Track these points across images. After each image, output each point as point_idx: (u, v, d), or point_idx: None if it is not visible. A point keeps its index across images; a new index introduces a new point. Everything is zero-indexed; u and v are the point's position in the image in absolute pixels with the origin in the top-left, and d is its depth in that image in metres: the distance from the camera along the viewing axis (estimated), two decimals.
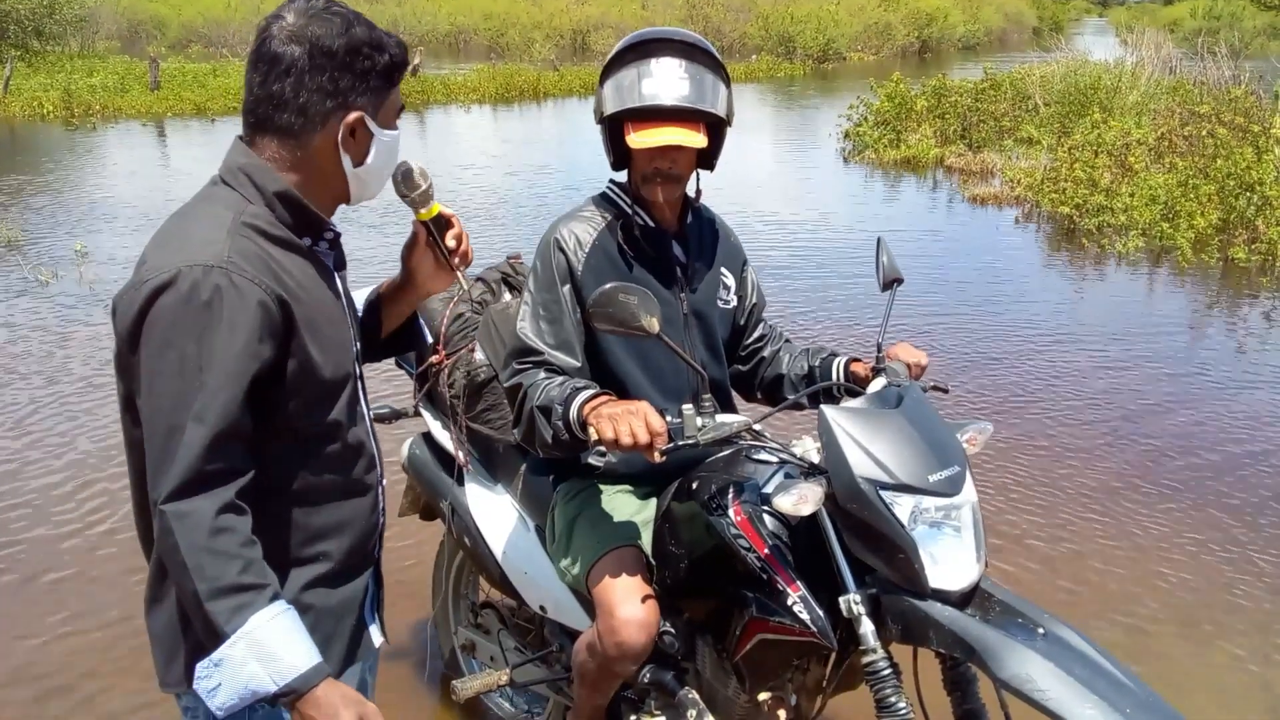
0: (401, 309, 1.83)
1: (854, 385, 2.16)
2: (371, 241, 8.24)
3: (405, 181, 1.67)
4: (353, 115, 1.48)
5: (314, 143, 1.48)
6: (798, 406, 2.22)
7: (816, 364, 2.33)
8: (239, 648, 1.33)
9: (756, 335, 2.44)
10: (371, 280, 1.90)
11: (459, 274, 1.76)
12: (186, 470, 1.33)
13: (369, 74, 1.48)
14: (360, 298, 1.82)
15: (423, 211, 1.70)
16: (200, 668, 1.37)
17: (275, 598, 1.37)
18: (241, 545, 1.35)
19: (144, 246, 1.46)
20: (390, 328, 1.84)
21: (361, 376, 1.65)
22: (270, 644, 1.34)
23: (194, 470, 1.33)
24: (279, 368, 1.43)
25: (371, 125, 1.51)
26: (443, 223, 1.72)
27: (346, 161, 1.51)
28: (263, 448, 1.43)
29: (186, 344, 1.35)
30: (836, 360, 2.30)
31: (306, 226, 1.52)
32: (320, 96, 1.45)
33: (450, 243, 1.73)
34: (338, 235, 1.59)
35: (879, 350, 2.14)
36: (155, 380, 1.36)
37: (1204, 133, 10.12)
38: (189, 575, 1.33)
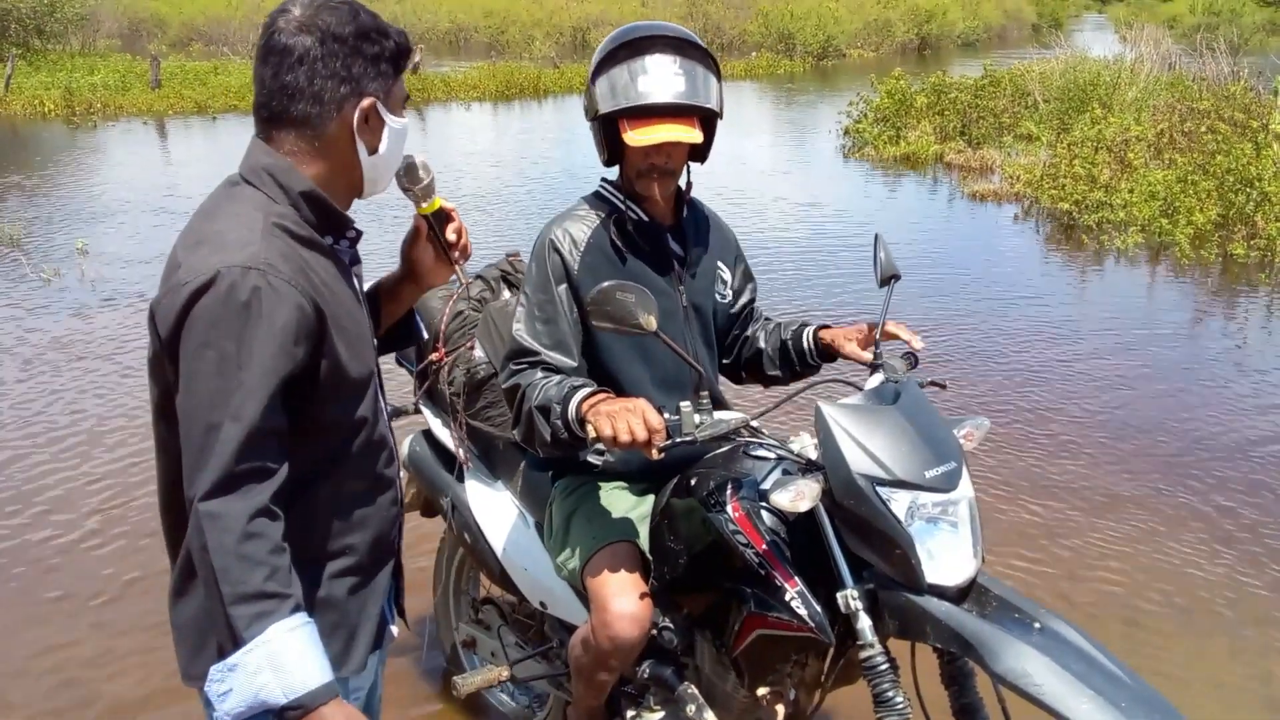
0: (401, 303, 1.85)
1: (825, 355, 2.29)
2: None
3: (409, 174, 1.69)
4: (366, 101, 1.50)
5: (330, 131, 1.49)
6: (778, 382, 2.36)
7: (789, 336, 2.36)
8: (255, 655, 1.34)
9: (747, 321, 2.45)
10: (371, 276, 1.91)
11: (458, 268, 1.78)
12: (223, 467, 1.34)
13: (379, 59, 1.51)
14: None
15: (425, 205, 1.72)
16: (214, 670, 1.38)
17: (297, 609, 1.37)
18: (270, 552, 1.35)
19: (173, 249, 1.46)
20: (388, 323, 1.85)
21: (379, 371, 1.67)
22: (285, 656, 1.34)
23: (230, 468, 1.34)
24: (312, 369, 1.44)
25: (383, 112, 1.53)
26: (443, 216, 1.74)
27: (362, 149, 1.53)
28: (294, 447, 1.43)
29: (226, 343, 1.36)
30: (806, 330, 2.34)
31: (330, 225, 1.54)
32: (335, 83, 1.47)
33: (450, 236, 1.75)
34: (359, 234, 1.60)
35: (876, 346, 2.14)
36: (194, 379, 1.37)
37: (1203, 129, 10.11)
38: (215, 577, 1.33)
